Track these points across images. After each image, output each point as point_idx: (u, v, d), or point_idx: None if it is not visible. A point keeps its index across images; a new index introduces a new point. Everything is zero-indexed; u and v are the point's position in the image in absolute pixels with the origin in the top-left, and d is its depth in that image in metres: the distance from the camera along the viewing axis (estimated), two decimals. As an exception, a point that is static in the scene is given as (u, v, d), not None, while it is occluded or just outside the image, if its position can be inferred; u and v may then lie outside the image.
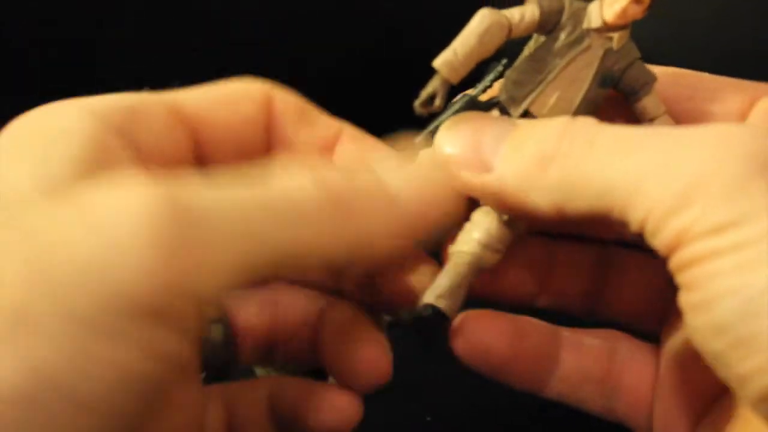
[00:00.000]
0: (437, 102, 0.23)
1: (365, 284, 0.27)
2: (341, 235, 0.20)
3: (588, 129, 0.21)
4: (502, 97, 0.25)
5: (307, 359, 0.28)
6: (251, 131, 0.25)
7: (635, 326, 0.28)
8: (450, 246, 0.25)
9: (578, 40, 0.25)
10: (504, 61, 0.27)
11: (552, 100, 0.24)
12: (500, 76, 0.27)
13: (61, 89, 0.24)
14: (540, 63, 0.25)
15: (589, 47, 0.25)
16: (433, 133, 0.24)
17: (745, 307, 0.17)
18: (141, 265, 0.17)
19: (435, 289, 0.24)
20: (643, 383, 0.27)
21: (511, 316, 0.27)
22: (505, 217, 0.24)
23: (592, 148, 0.20)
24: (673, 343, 0.26)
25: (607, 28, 0.24)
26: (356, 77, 0.48)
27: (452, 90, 0.24)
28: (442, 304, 0.24)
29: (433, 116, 0.26)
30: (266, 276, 0.21)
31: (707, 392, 0.24)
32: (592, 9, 0.25)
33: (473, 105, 0.26)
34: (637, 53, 0.25)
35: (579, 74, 0.24)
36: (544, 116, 0.24)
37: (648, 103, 0.25)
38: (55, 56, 0.46)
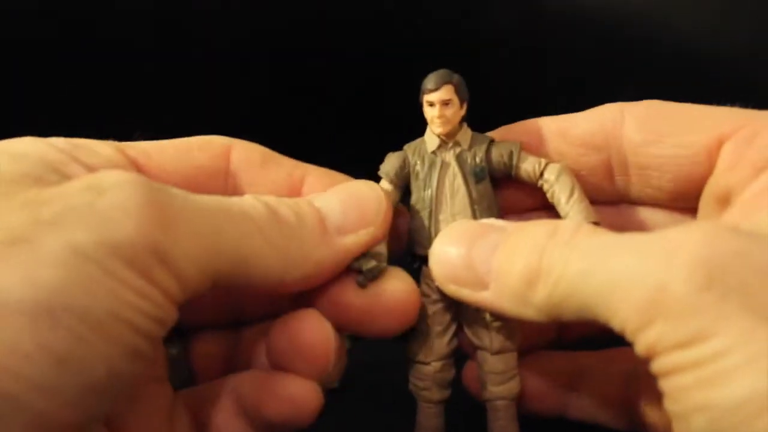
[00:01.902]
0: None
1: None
2: (282, 246, 0.23)
3: (566, 242, 0.22)
4: (416, 251, 0.28)
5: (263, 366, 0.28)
6: (202, 179, 0.27)
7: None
8: None
9: (432, 165, 0.28)
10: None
11: (450, 220, 0.27)
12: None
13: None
14: (420, 203, 0.28)
15: (443, 163, 0.28)
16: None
17: (714, 426, 0.18)
18: (136, 224, 0.19)
19: None
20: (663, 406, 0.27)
21: (528, 357, 0.29)
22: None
23: (567, 266, 0.22)
24: None
25: (446, 140, 0.28)
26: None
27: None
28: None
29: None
30: (222, 279, 0.22)
31: None
32: (427, 134, 0.28)
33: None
34: (487, 138, 0.28)
35: (453, 187, 0.27)
36: None
37: (526, 166, 0.28)
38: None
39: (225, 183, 0.28)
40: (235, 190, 0.27)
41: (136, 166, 0.26)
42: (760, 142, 0.24)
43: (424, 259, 0.27)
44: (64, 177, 0.22)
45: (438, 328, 0.28)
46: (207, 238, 0.21)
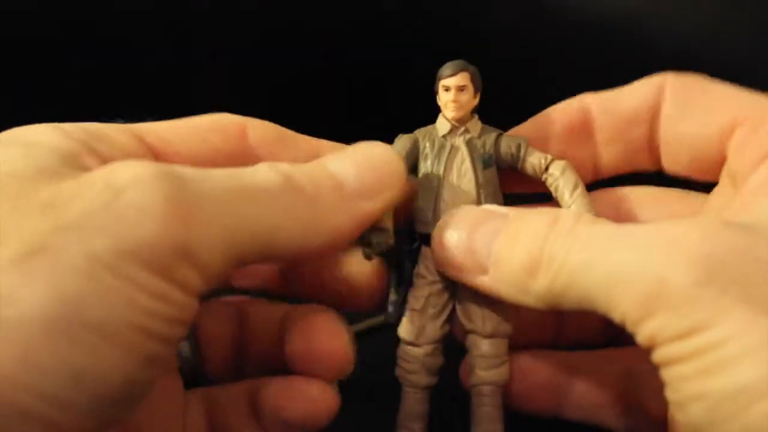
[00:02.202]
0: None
1: (312, 282, 0.29)
2: (299, 215, 0.23)
3: (567, 231, 0.22)
4: (418, 229, 0.28)
5: (277, 363, 0.29)
6: (220, 161, 0.26)
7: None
8: None
9: (442, 148, 0.28)
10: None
11: (455, 201, 0.27)
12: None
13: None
14: (426, 182, 0.28)
15: (453, 147, 0.28)
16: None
17: (711, 415, 0.18)
18: (155, 224, 0.19)
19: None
20: (664, 403, 0.27)
21: (522, 354, 0.29)
22: None
23: (569, 256, 0.22)
24: None
25: (457, 125, 0.28)
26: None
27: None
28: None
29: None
30: (244, 258, 0.22)
31: None
32: (439, 121, 0.29)
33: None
34: (496, 131, 0.29)
35: (461, 170, 0.28)
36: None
37: (533, 160, 0.28)
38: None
39: (244, 164, 0.27)
40: None
41: (154, 153, 0.25)
42: (764, 130, 0.25)
43: (424, 238, 0.28)
44: (81, 169, 0.21)
45: (432, 311, 0.28)
46: (227, 221, 0.21)
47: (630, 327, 0.21)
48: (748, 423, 0.17)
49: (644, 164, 0.29)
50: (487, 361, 0.28)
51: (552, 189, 0.28)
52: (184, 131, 0.26)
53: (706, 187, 0.28)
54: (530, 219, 0.24)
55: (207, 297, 0.29)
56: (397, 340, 0.29)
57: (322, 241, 0.24)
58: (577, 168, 0.29)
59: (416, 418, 0.28)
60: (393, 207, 0.26)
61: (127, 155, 0.24)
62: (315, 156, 0.27)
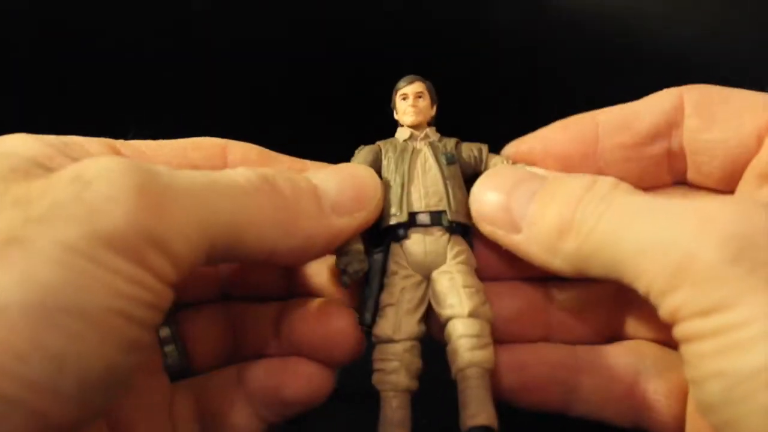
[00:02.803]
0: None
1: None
2: (274, 215, 0.23)
3: (602, 197, 0.22)
4: (385, 223, 0.28)
5: (274, 354, 0.29)
6: None
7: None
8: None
9: (404, 150, 0.28)
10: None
11: (422, 191, 0.28)
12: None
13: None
14: (392, 181, 0.28)
15: (415, 149, 0.29)
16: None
17: (727, 394, 0.18)
18: (125, 212, 0.19)
19: None
20: (673, 395, 0.27)
21: (522, 346, 0.29)
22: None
23: (600, 221, 0.22)
24: None
25: (417, 132, 0.29)
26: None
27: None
28: None
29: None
30: (216, 252, 0.22)
31: None
32: (398, 131, 0.29)
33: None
34: (454, 139, 0.29)
35: (425, 167, 0.28)
36: (426, 209, 0.27)
37: (495, 162, 0.29)
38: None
39: None
40: None
41: None
42: None
43: (392, 235, 0.28)
44: (52, 170, 0.21)
45: (408, 306, 0.27)
46: (198, 214, 0.21)
47: (654, 299, 0.21)
48: (764, 404, 0.17)
49: (663, 179, 0.29)
50: (469, 341, 0.26)
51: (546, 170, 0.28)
52: (162, 147, 0.27)
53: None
54: (567, 181, 0.24)
55: (196, 303, 0.30)
56: (365, 325, 0.28)
57: (295, 245, 0.24)
58: None
59: (398, 426, 0.26)
60: (370, 224, 0.27)
61: None
62: (296, 170, 0.28)
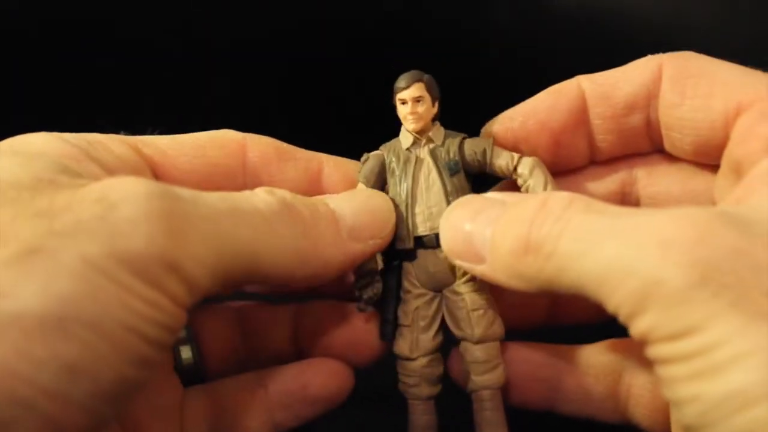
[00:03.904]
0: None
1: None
2: (293, 242, 0.23)
3: (557, 217, 0.22)
4: (397, 246, 0.28)
5: (287, 356, 0.30)
6: (218, 176, 0.27)
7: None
8: None
9: (407, 161, 0.28)
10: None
11: (426, 213, 0.28)
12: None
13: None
14: (397, 198, 0.28)
15: (418, 159, 0.28)
16: None
17: (703, 418, 0.18)
18: (146, 237, 0.19)
19: None
20: (657, 393, 0.27)
21: (505, 345, 0.29)
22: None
23: (560, 242, 0.21)
24: None
25: (420, 137, 0.28)
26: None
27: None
28: None
29: None
30: (232, 278, 0.22)
31: None
32: (402, 133, 0.29)
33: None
34: (460, 135, 0.29)
35: (428, 181, 0.28)
36: (430, 231, 0.27)
37: (500, 162, 0.28)
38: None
39: (243, 180, 0.28)
40: (253, 187, 0.27)
41: (151, 165, 0.26)
42: None
43: (404, 255, 0.28)
44: (78, 177, 0.22)
45: (422, 323, 0.28)
46: (217, 241, 0.21)
47: (623, 320, 0.20)
48: (740, 427, 0.17)
49: (643, 147, 0.29)
50: (480, 366, 0.28)
51: (523, 189, 0.28)
52: (182, 145, 0.27)
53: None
54: (521, 203, 0.24)
55: (210, 301, 0.30)
56: (385, 339, 0.29)
57: (312, 271, 0.24)
58: (573, 153, 0.29)
59: (425, 430, 0.28)
60: (382, 250, 0.27)
61: (124, 164, 0.24)
62: (313, 169, 0.29)
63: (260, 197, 0.23)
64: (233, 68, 0.48)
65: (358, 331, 0.29)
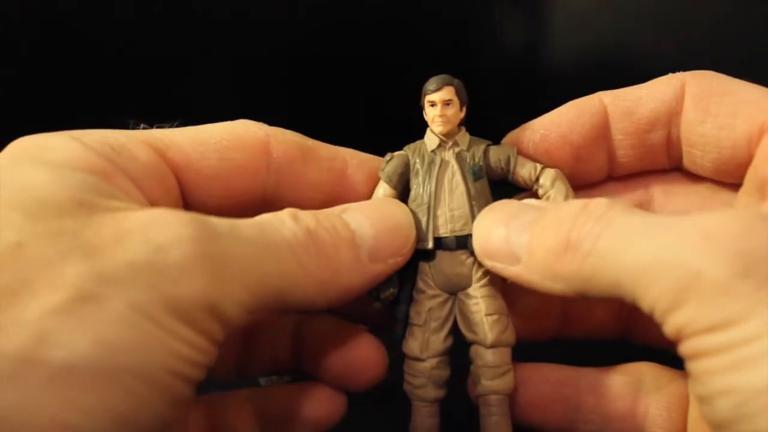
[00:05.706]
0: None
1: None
2: (317, 273, 0.24)
3: (598, 217, 0.22)
4: (416, 246, 0.28)
5: (288, 368, 0.30)
6: (242, 179, 0.27)
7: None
8: None
9: (432, 163, 0.28)
10: None
11: (448, 215, 0.28)
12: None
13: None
14: (419, 199, 0.28)
15: (443, 161, 0.28)
16: None
17: (739, 410, 0.18)
18: (191, 283, 0.20)
19: None
20: (674, 412, 0.27)
21: (525, 365, 0.29)
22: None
23: (599, 241, 0.22)
24: None
25: (446, 139, 0.28)
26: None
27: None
28: None
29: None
30: (263, 310, 0.23)
31: None
32: (427, 136, 0.29)
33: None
34: (485, 142, 0.29)
35: (452, 184, 0.28)
36: (451, 233, 0.28)
37: (523, 172, 0.29)
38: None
39: (265, 179, 0.27)
40: (276, 189, 0.28)
41: (175, 171, 0.26)
42: None
43: (421, 254, 0.28)
44: (112, 198, 0.22)
45: (434, 324, 0.28)
46: (252, 280, 0.22)
47: (658, 317, 0.20)
48: None
49: (661, 164, 0.29)
50: (491, 371, 0.28)
51: (543, 201, 0.28)
52: (206, 147, 0.26)
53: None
54: (561, 206, 0.24)
55: None
56: (395, 337, 0.29)
57: (334, 297, 0.25)
58: (592, 168, 0.29)
59: None
60: (402, 266, 0.27)
61: (151, 174, 0.24)
62: (337, 169, 0.28)
63: (288, 227, 0.24)
64: (235, 69, 0.48)
65: (361, 356, 0.28)
